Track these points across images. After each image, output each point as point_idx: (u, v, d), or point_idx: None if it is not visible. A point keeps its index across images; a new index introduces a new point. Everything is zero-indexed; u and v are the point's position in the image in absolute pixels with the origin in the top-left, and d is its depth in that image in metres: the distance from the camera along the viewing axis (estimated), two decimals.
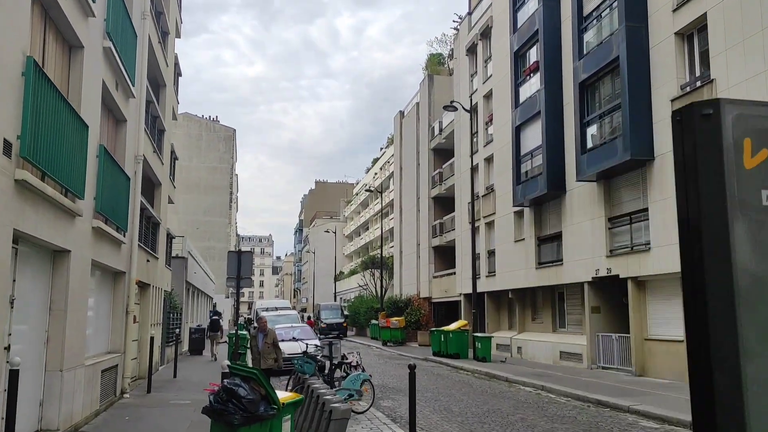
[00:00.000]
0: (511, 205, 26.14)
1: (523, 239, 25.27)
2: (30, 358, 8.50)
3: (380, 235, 49.51)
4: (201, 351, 27.29)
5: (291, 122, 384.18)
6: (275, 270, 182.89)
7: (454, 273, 34.32)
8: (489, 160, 29.56)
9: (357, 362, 13.92)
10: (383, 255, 57.98)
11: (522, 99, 24.65)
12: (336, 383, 13.36)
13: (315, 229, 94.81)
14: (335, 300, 66.82)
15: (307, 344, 14.07)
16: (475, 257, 26.13)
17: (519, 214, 26.00)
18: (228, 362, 7.80)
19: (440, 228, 37.30)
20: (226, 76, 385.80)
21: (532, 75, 24.01)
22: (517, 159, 24.69)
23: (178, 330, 19.37)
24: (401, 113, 47.41)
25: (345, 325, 48.67)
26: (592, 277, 20.05)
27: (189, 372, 19.73)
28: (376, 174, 70.11)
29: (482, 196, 29.44)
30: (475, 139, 31.68)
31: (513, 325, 27.69)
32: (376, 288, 52.98)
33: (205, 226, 56.84)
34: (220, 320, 28.74)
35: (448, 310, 37.41)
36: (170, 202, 22.48)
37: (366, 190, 51.68)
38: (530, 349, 24.48)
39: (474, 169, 31.48)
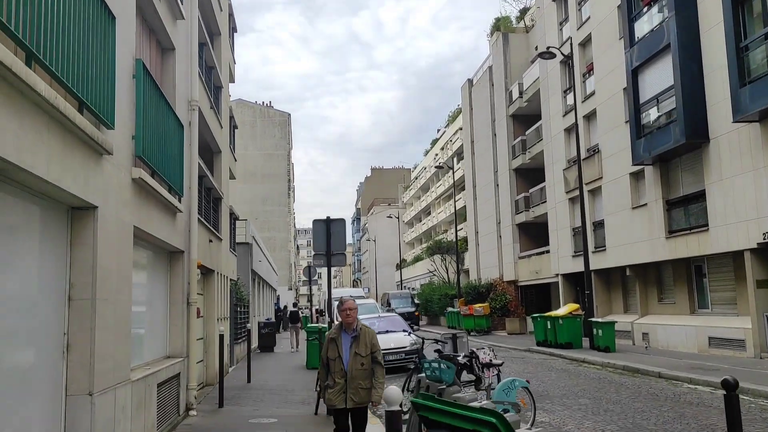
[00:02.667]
0: (625, 166, 22.01)
1: (645, 205, 21.11)
2: (39, 378, 5.26)
3: (454, 214, 45.73)
4: (272, 347, 24.26)
5: (339, 116, 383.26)
6: None
7: (547, 251, 30.29)
8: (590, 117, 25.40)
9: (491, 360, 10.35)
10: (452, 238, 54.25)
11: (639, 35, 20.43)
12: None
13: (373, 217, 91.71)
14: (400, 288, 63.47)
15: (423, 339, 10.54)
16: (585, 229, 22.11)
17: (637, 176, 21.83)
18: (409, 396, 4.40)
19: (525, 202, 33.26)
20: (274, 74, 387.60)
21: (652, 4, 19.77)
22: (636, 108, 20.51)
23: (249, 325, 16.29)
24: (470, 81, 43.39)
25: (417, 314, 45.12)
26: (758, 243, 15.85)
27: (264, 374, 16.57)
28: (437, 155, 66.26)
29: (583, 160, 25.31)
30: (567, 96, 27.56)
31: (630, 307, 23.58)
32: (448, 273, 49.40)
33: (265, 216, 54.28)
34: (300, 311, 27.24)
35: (539, 294, 33.45)
36: (232, 177, 19.37)
37: (436, 167, 47.78)
38: (661, 336, 20.37)
39: (569, 131, 27.40)
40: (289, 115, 60.01)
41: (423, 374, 9.14)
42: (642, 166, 20.97)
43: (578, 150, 22.58)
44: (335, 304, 24.79)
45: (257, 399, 12.33)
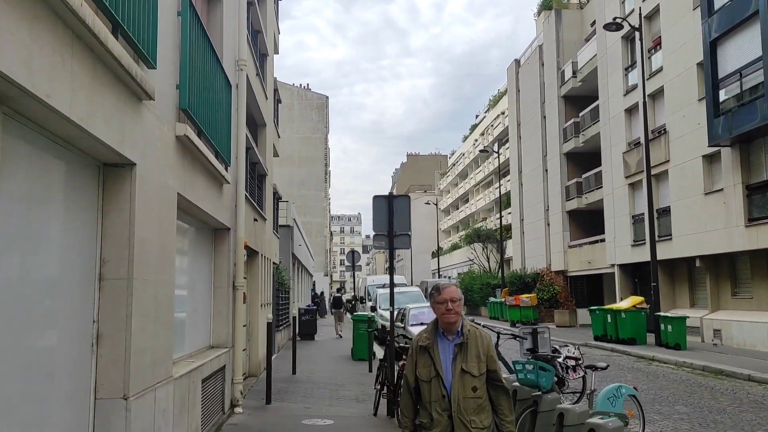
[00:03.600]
0: (697, 148, 20.25)
1: (720, 190, 19.34)
2: (60, 377, 4.11)
3: (497, 200, 44.12)
4: (313, 335, 23.19)
5: (373, 103, 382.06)
6: (365, 249, 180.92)
7: (602, 240, 28.59)
8: (655, 95, 23.54)
9: (579, 359, 9.01)
10: (492, 226, 52.58)
11: (719, 3, 18.58)
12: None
13: None
14: (438, 277, 62.06)
15: (499, 334, 9.23)
16: (652, 216, 20.42)
17: (711, 158, 20.05)
18: None
19: (577, 188, 31.50)
20: (309, 61, 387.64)
21: None
22: (714, 84, 18.70)
23: (294, 312, 15.18)
24: (517, 62, 41.57)
25: None
26: None
27: (309, 364, 15.45)
28: (476, 140, 64.48)
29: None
30: (629, 74, 25.75)
31: (698, 301, 21.86)
32: (489, 262, 47.92)
33: (301, 201, 53.31)
34: (343, 297, 26.98)
35: (590, 286, 31.79)
36: (275, 154, 18.25)
37: (480, 151, 46.10)
38: (736, 333, 18.68)
39: (630, 111, 25.62)
40: (327, 97, 58.84)
41: (508, 375, 7.86)
42: (718, 148, 19.19)
43: (645, 130, 20.83)
44: (379, 291, 23.30)
45: (306, 394, 11.19)
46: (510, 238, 43.59)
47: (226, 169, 8.40)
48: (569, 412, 5.98)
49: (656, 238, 21.67)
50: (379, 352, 17.60)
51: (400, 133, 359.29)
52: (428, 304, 18.52)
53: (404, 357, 9.19)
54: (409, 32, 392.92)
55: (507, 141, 46.42)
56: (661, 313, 18.98)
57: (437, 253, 67.87)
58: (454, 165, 78.46)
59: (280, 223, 21.35)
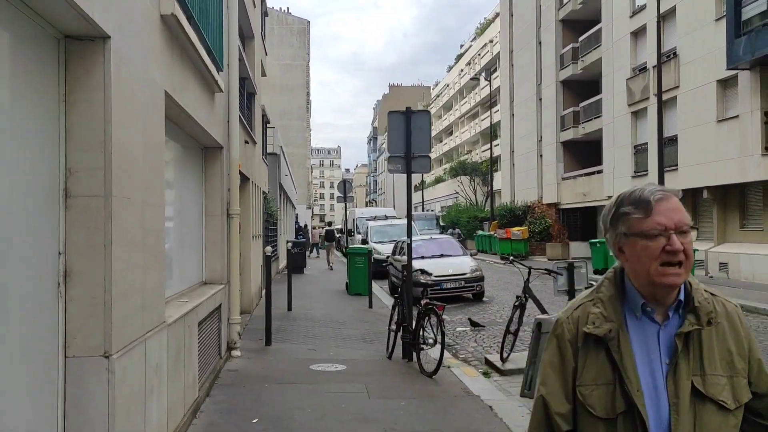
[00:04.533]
0: (711, 72, 19.05)
1: (736, 117, 18.28)
2: (15, 329, 2.92)
3: (486, 132, 42.80)
4: (302, 269, 22.17)
5: (352, 34, 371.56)
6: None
7: (599, 172, 27.66)
8: (666, 16, 22.05)
9: None
10: (477, 158, 51.51)
11: None
12: None
13: None
14: (420, 210, 61.28)
15: (530, 269, 8.24)
16: (661, 144, 19.34)
17: (725, 83, 18.90)
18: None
19: (574, 117, 30.28)
20: None
21: None
22: (736, 1, 17.34)
23: (289, 244, 13.98)
24: None
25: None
26: None
27: (304, 300, 14.41)
28: (462, 71, 62.49)
29: (654, 67, 22.21)
30: None
31: (702, 234, 21.07)
32: (476, 195, 47.14)
33: (283, 131, 51.34)
34: (335, 230, 27.30)
35: (584, 219, 31.05)
36: (263, 74, 16.66)
37: (472, 78, 44.44)
38: (745, 266, 18.05)
39: (637, 34, 24.19)
40: (309, 22, 56.02)
41: (544, 316, 6.86)
42: (735, 72, 18.01)
43: (659, 51, 19.39)
44: (370, 224, 22.19)
45: (307, 334, 10.19)
46: (498, 170, 42.59)
47: (218, 73, 7.01)
48: None
49: (654, 170, 20.71)
50: (374, 286, 16.67)
51: (380, 65, 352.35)
52: (429, 236, 17.36)
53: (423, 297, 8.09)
54: None
55: (496, 70, 44.73)
56: None
57: (421, 186, 66.90)
58: (438, 96, 76.54)
59: (268, 150, 19.94)
